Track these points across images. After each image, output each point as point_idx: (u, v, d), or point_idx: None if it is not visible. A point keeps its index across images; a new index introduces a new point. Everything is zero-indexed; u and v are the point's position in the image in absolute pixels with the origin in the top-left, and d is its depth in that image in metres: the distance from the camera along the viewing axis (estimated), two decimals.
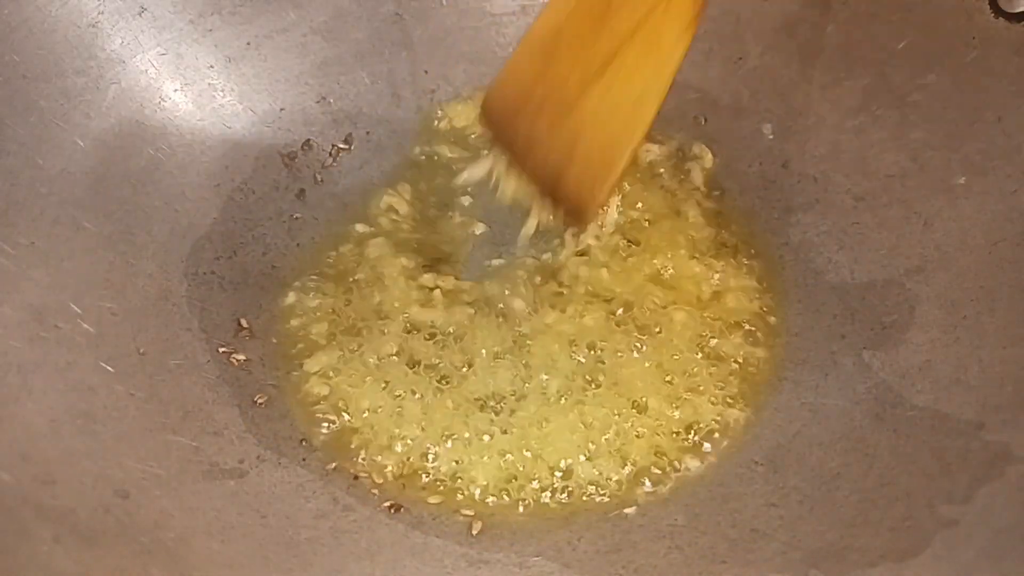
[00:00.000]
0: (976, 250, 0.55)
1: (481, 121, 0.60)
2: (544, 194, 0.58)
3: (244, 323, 0.60)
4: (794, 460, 0.52)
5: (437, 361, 0.58)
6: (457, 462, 0.54)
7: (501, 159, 0.59)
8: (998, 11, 0.56)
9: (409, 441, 0.55)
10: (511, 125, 0.58)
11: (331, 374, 0.58)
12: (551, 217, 0.59)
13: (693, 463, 0.54)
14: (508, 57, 0.56)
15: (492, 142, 0.60)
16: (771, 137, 0.65)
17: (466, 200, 0.66)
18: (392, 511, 0.52)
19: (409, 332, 0.59)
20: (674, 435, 0.55)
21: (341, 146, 0.68)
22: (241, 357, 0.58)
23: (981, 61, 0.57)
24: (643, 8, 0.52)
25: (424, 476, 0.54)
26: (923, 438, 0.50)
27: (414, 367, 0.58)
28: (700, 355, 0.57)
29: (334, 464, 0.54)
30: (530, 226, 0.61)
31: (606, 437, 0.54)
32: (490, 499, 0.53)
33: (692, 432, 0.55)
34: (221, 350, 0.58)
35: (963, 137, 0.57)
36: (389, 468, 0.54)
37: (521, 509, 0.53)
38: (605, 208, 0.62)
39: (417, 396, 0.56)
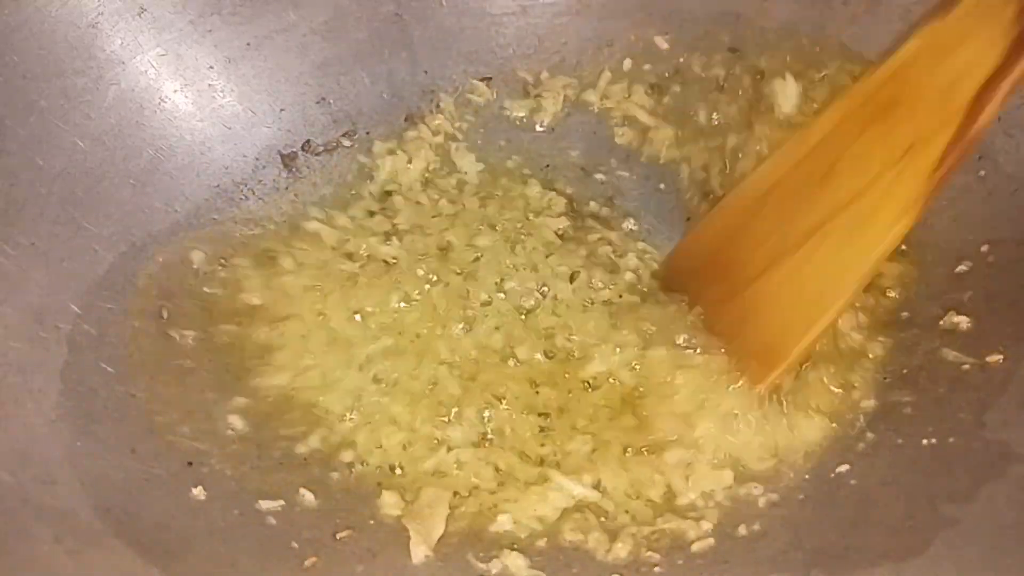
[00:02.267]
0: (976, 251, 0.55)
1: (658, 275, 0.55)
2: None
3: (244, 323, 0.60)
4: (794, 460, 0.52)
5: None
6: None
7: None
8: None
9: None
10: (686, 287, 0.53)
11: None
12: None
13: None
14: (509, 57, 0.55)
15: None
16: None
17: None
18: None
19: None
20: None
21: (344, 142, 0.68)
22: None
23: None
24: (868, 176, 0.43)
25: None
26: (923, 438, 0.50)
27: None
28: None
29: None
30: None
31: None
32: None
33: None
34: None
35: None
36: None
37: None
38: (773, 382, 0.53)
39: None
